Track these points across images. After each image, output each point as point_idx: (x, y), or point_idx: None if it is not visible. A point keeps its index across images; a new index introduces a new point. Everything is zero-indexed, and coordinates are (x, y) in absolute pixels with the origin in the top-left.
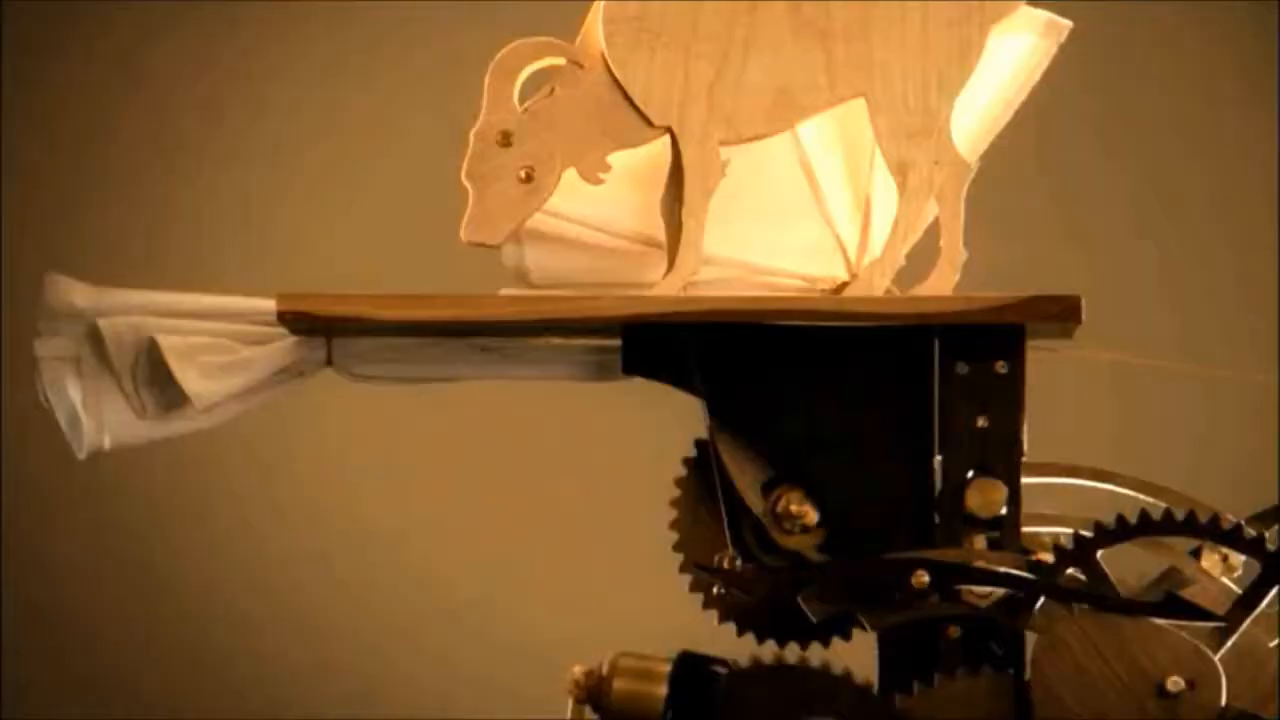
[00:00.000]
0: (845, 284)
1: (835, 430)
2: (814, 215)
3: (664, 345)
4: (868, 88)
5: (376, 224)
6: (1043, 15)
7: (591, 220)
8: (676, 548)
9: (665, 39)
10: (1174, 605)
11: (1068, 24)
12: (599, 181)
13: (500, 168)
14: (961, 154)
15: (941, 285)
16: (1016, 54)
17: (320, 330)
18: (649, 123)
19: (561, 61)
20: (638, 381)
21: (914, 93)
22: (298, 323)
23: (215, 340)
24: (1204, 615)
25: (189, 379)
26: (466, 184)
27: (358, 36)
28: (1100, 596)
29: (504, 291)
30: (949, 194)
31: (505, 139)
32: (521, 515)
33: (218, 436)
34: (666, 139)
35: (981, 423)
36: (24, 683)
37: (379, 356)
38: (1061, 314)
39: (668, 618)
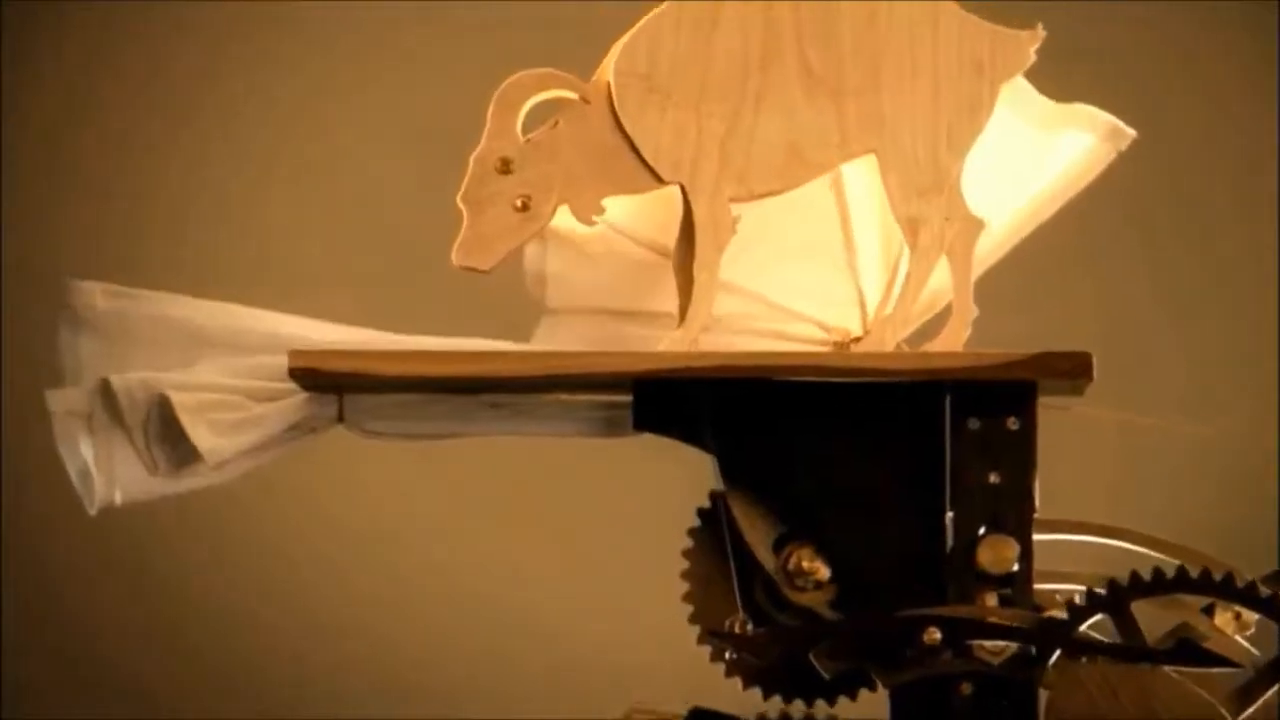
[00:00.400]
0: (858, 339)
1: (846, 486)
2: (841, 265)
3: (675, 401)
4: (878, 144)
5: (348, 219)
6: (1108, 119)
7: (619, 224)
8: (692, 620)
9: (676, 96)
10: (1189, 652)
11: (1131, 133)
12: (592, 223)
13: (497, 194)
14: (1000, 236)
15: (952, 341)
16: (1074, 152)
17: (331, 386)
18: (657, 177)
19: (566, 94)
20: (647, 435)
21: (924, 149)
22: (309, 379)
23: (226, 397)
24: (1218, 661)
25: (200, 436)
26: (462, 206)
27: (331, 35)
28: (1115, 648)
29: (519, 345)
30: (960, 251)
31: (505, 166)
32: (532, 557)
33: None
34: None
35: (993, 479)
36: (24, 683)
37: (390, 413)
38: (1072, 371)
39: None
